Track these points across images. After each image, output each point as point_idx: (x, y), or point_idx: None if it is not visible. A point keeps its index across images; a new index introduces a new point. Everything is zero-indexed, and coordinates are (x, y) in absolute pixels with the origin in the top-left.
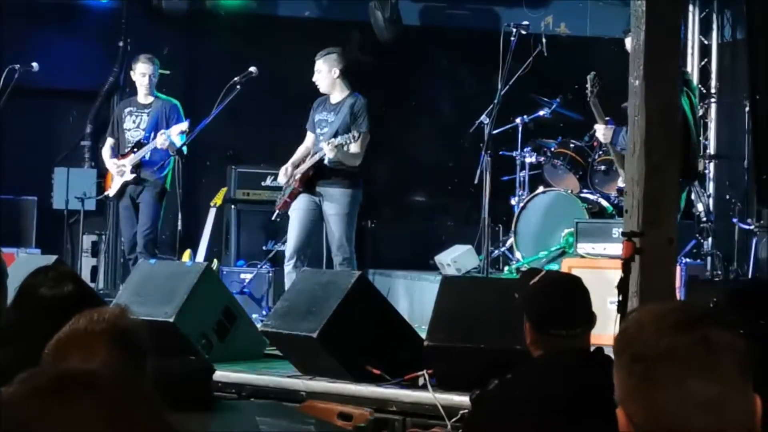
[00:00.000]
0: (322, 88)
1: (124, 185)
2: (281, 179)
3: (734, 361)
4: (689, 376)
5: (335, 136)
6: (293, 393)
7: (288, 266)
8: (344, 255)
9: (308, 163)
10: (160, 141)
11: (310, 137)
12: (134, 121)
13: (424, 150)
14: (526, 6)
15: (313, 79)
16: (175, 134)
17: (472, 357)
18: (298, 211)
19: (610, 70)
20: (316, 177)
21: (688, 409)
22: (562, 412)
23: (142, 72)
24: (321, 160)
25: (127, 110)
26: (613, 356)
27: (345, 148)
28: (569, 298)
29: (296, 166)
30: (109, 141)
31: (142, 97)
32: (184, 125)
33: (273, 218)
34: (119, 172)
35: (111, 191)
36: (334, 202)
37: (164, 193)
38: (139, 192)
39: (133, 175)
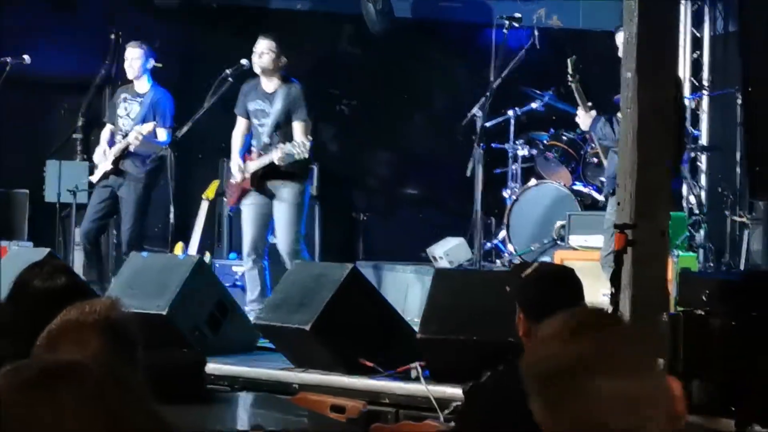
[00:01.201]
0: (263, 69)
1: (105, 174)
2: (237, 175)
3: (636, 352)
4: (594, 378)
5: (277, 127)
6: (286, 385)
7: (247, 264)
8: (292, 247)
9: (258, 163)
10: (132, 138)
11: (242, 122)
12: (126, 109)
13: (417, 143)
14: None
15: (256, 58)
16: (146, 132)
17: (465, 349)
18: (250, 206)
19: (603, 62)
20: (266, 175)
21: (604, 410)
22: None
23: (126, 56)
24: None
25: (122, 96)
26: None
27: (296, 157)
28: (563, 288)
29: (243, 158)
30: (108, 127)
31: (137, 84)
32: (150, 126)
33: (227, 214)
34: (104, 158)
35: (94, 177)
36: (283, 195)
37: (149, 187)
38: (120, 184)
39: (112, 166)
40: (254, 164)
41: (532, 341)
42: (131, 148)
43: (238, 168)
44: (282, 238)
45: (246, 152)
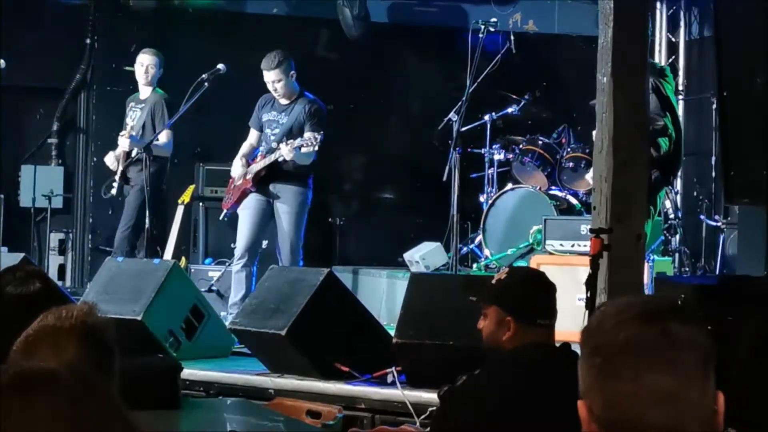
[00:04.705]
0: (284, 96)
1: (120, 184)
2: (237, 171)
3: (694, 355)
4: (646, 368)
5: (289, 135)
6: (261, 391)
7: (237, 265)
8: (294, 253)
9: (262, 163)
10: (121, 143)
11: (254, 134)
12: (132, 117)
13: (393, 147)
14: (494, 3)
15: (272, 92)
16: (297, 145)
17: (441, 354)
18: (249, 210)
19: (578, 67)
20: (268, 177)
21: (644, 402)
22: (530, 407)
23: (139, 62)
24: (275, 161)
25: (130, 104)
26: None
27: (303, 150)
28: (547, 289)
29: (247, 161)
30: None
31: (141, 90)
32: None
33: (221, 218)
34: (112, 165)
35: (114, 190)
36: (287, 201)
37: (144, 191)
38: (129, 191)
39: (120, 174)
40: (258, 165)
41: (596, 311)
42: (134, 154)
43: (240, 166)
44: (284, 243)
45: (252, 160)
